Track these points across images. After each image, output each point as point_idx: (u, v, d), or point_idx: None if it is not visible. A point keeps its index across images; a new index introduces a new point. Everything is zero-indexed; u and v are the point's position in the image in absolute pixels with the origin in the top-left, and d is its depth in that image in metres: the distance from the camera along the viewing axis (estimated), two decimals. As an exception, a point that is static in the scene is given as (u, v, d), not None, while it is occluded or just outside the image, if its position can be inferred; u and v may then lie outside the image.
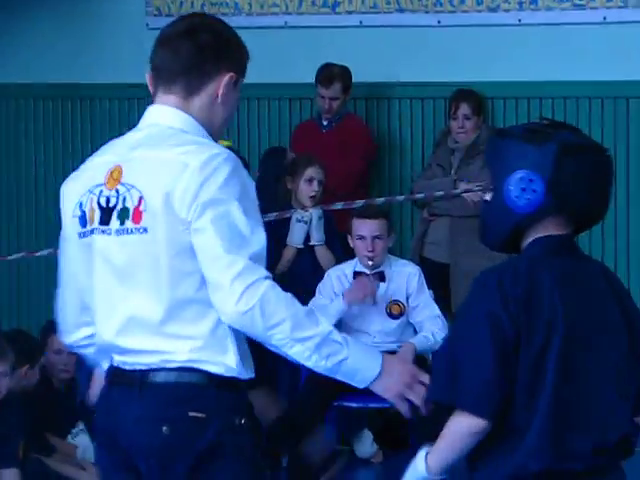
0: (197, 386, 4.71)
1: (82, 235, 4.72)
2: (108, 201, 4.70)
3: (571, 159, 4.69)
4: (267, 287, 4.48)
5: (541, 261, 4.76)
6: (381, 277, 10.35)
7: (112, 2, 13.86)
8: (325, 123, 11.87)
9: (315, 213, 11.25)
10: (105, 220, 4.67)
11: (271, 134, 12.74)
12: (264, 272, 4.56)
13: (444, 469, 4.56)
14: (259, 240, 4.58)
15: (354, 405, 10.23)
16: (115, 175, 4.69)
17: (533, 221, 4.65)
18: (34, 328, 11.13)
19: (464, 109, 11.68)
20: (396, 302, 10.40)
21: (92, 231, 4.69)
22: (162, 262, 4.63)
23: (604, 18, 11.70)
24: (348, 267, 10.40)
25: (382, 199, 11.42)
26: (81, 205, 4.73)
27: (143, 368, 4.68)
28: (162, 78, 4.73)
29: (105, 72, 13.50)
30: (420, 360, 9.91)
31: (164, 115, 4.78)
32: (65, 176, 5.44)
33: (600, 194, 4.76)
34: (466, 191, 11.25)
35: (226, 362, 4.71)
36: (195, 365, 4.66)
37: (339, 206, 10.96)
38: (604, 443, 4.56)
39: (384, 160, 12.26)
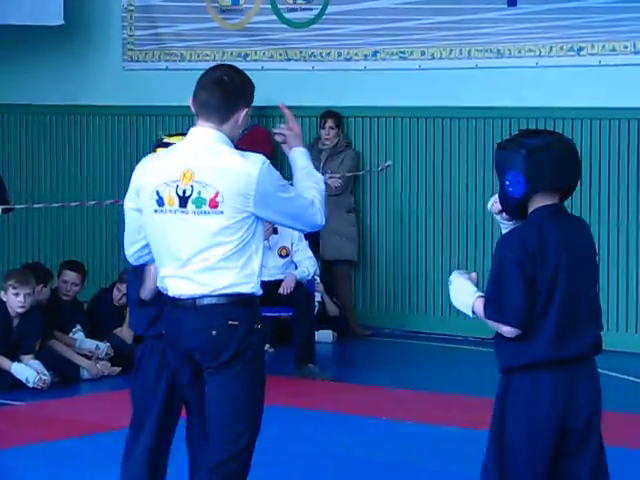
0: (231, 304, 5.64)
1: (157, 212, 5.67)
2: (184, 192, 5.60)
3: (536, 156, 5.36)
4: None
5: (543, 223, 5.42)
6: (275, 230, 11.48)
7: (101, 54, 14.55)
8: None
9: None
10: (183, 205, 5.61)
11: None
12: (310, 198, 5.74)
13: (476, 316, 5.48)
14: (296, 194, 5.72)
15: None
16: (188, 175, 5.59)
17: (526, 200, 5.41)
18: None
19: (329, 123, 13.20)
20: (284, 247, 11.82)
21: (171, 211, 5.64)
22: (226, 231, 5.60)
23: (476, 65, 12.83)
24: None
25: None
26: (158, 192, 5.64)
27: (196, 295, 5.66)
28: (202, 111, 5.67)
29: (94, 97, 14.61)
30: (298, 284, 11.55)
31: (208, 135, 5.66)
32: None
33: (566, 173, 5.48)
34: (330, 178, 12.51)
35: (249, 286, 5.67)
36: (229, 290, 5.63)
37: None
38: (583, 345, 5.37)
39: (282, 156, 13.42)
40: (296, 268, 11.79)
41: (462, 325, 12.46)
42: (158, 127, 14.39)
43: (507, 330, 5.23)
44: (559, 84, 12.44)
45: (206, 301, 5.58)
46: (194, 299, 5.59)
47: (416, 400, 10.34)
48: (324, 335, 12.54)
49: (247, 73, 12.86)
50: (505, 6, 12.57)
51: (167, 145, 6.23)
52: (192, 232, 5.55)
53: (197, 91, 5.64)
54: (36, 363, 10.70)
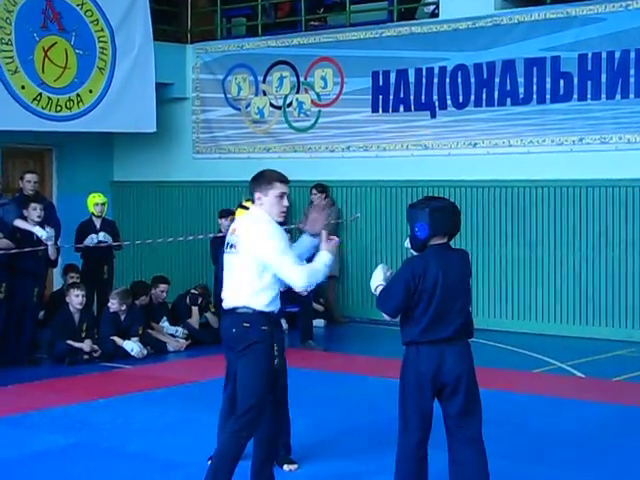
0: (246, 313, 5.40)
1: (224, 252, 5.57)
2: (230, 242, 5.54)
3: (436, 213, 5.28)
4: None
5: (431, 255, 5.29)
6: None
7: (179, 148, 14.71)
8: None
9: None
10: (229, 247, 5.53)
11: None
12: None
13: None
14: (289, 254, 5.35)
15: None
16: (233, 232, 5.55)
17: (427, 240, 5.29)
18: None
19: (316, 190, 12.97)
20: None
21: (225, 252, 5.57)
22: (242, 265, 5.43)
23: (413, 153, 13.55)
24: None
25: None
26: (228, 242, 5.54)
27: (231, 306, 5.49)
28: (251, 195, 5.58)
29: (175, 175, 14.69)
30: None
31: (252, 208, 5.63)
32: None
33: (452, 224, 5.37)
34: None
35: (260, 304, 5.39)
36: (246, 304, 5.40)
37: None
38: (448, 331, 5.23)
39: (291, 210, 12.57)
40: None
41: None
42: (213, 195, 14.45)
43: (385, 316, 5.37)
44: (460, 166, 12.48)
45: (231, 310, 5.48)
46: (227, 309, 5.52)
47: (378, 363, 10.13)
48: (318, 322, 12.44)
49: (267, 161, 12.76)
50: (429, 117, 12.70)
51: (245, 207, 6.39)
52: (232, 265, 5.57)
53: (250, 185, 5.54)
54: (138, 342, 10.63)
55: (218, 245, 12.12)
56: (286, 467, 6.41)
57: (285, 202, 5.51)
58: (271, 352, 5.40)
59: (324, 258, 5.49)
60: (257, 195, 5.49)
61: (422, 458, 5.26)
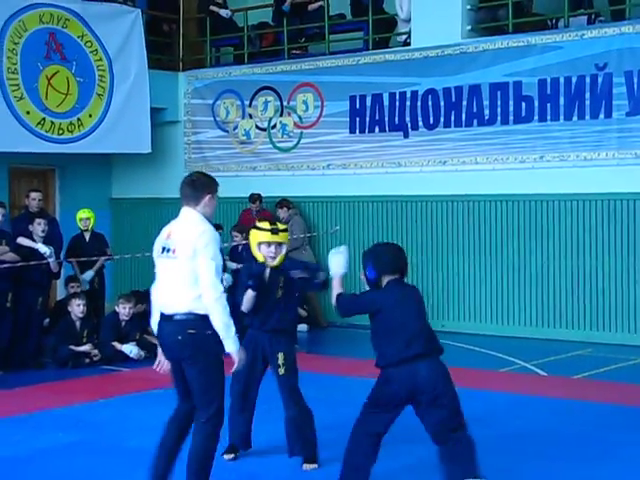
0: (191, 320, 5.08)
1: (158, 257, 5.29)
2: (165, 246, 5.25)
3: (379, 257, 5.31)
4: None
5: (388, 289, 5.29)
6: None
7: (171, 168, 14.41)
8: (254, 212, 13.01)
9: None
10: (163, 252, 5.25)
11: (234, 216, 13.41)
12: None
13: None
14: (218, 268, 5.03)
15: None
16: (167, 236, 5.27)
17: (378, 280, 5.28)
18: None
19: (282, 205, 13.00)
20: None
21: (158, 256, 5.29)
22: (182, 270, 5.13)
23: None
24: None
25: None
26: (162, 247, 5.24)
27: (170, 313, 5.14)
28: (184, 199, 5.30)
29: (167, 193, 13.46)
30: None
31: (188, 212, 5.29)
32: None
33: (395, 263, 5.33)
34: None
35: (203, 308, 5.08)
36: (190, 310, 5.09)
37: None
38: (418, 345, 5.16)
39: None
40: None
41: (365, 316, 12.63)
42: None
43: (340, 312, 5.37)
44: (431, 182, 12.50)
45: (176, 317, 5.14)
46: (169, 315, 5.18)
47: (356, 364, 9.94)
48: (302, 327, 12.39)
49: (254, 179, 13.25)
50: (402, 137, 12.71)
51: (259, 229, 6.13)
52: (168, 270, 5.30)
53: (181, 187, 5.32)
54: (135, 346, 10.52)
55: None
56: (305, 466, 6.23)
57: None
58: (219, 355, 5.13)
59: (231, 343, 5.11)
60: (208, 196, 5.25)
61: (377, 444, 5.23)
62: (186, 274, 5.08)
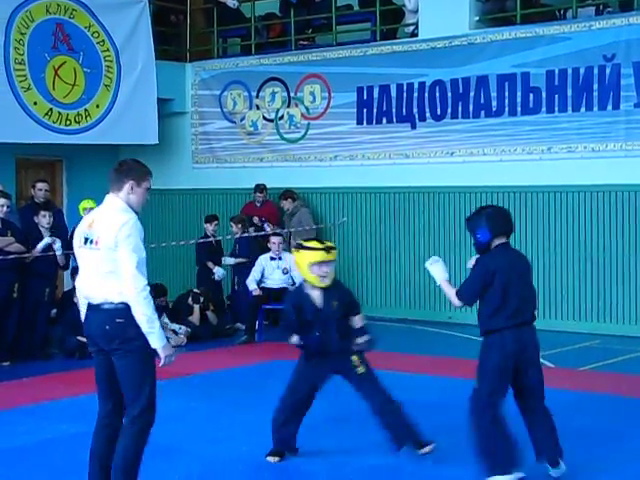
0: (120, 309, 4.86)
1: (80, 247, 5.04)
2: (87, 236, 5.00)
3: (492, 218, 5.51)
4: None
5: (500, 252, 5.50)
6: (280, 258, 11.46)
7: (180, 159, 14.61)
8: (258, 204, 13.25)
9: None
10: (86, 242, 4.99)
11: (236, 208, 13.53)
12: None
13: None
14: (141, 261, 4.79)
15: (269, 307, 11.39)
16: (90, 225, 5.01)
17: (490, 242, 5.50)
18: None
19: (286, 196, 13.00)
20: (285, 267, 11.44)
21: (80, 247, 5.05)
22: (106, 261, 4.91)
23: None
24: (267, 255, 11.47)
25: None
26: (85, 237, 4.99)
27: (98, 302, 4.95)
28: (109, 184, 5.06)
29: (176, 184, 14.42)
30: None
31: (110, 200, 5.06)
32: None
33: (507, 225, 5.57)
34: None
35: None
36: (119, 300, 4.87)
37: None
38: (528, 314, 5.52)
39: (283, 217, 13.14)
40: (292, 280, 11.32)
41: (388, 310, 12.72)
42: (211, 201, 14.43)
43: (466, 301, 5.54)
44: (438, 173, 12.50)
45: (104, 306, 4.94)
46: (97, 304, 4.97)
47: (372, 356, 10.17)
48: None
49: (261, 170, 13.38)
50: (409, 129, 12.76)
51: (310, 248, 5.94)
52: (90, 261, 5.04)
53: (109, 174, 5.08)
54: None
55: (203, 251, 12.26)
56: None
57: (148, 197, 5.10)
58: (150, 347, 4.88)
59: (156, 338, 4.86)
60: (130, 184, 4.98)
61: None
62: (110, 265, 4.88)
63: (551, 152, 11.75)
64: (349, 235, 13.37)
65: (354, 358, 6.10)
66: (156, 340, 4.89)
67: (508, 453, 5.39)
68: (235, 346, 11.14)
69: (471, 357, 9.04)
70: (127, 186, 5.00)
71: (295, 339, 6.11)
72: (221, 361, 10.17)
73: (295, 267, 6.31)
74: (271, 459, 6.15)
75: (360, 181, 13.26)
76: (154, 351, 4.92)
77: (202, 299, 11.74)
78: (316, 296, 6.10)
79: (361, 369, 6.10)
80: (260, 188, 13.37)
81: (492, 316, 5.44)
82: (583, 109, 11.54)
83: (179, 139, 14.87)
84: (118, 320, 4.85)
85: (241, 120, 14.32)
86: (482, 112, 12.23)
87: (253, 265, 11.73)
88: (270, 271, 11.61)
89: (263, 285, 11.60)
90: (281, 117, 13.97)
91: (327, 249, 6.07)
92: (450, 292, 5.60)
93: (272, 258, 11.56)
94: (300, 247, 6.13)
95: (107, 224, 4.93)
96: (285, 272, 11.58)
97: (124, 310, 4.85)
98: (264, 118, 14.16)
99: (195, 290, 11.92)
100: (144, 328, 4.81)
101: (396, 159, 12.95)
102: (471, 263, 5.59)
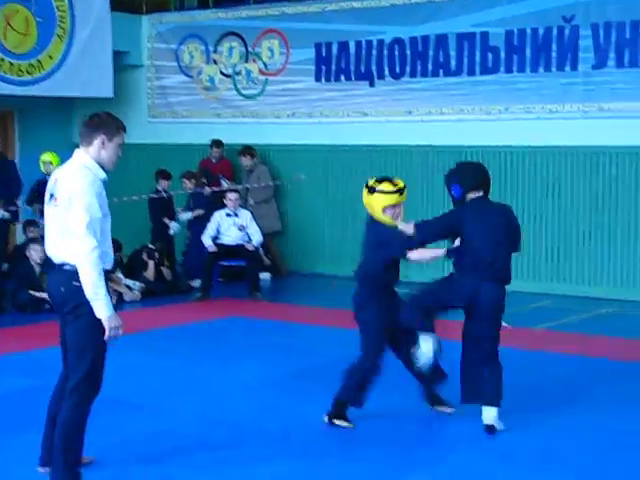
0: (75, 271, 4.65)
1: (47, 204, 4.87)
2: (51, 192, 4.83)
3: (463, 173, 5.75)
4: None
5: (472, 204, 5.67)
6: (236, 214, 11.42)
7: (135, 113, 14.30)
8: (214, 160, 13.21)
9: None
10: (51, 199, 4.82)
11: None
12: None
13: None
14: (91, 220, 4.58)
15: (224, 263, 11.59)
16: (55, 180, 4.83)
17: (464, 196, 5.71)
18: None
19: (246, 153, 12.90)
20: (241, 225, 11.43)
21: (47, 204, 4.87)
22: (65, 218, 4.71)
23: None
24: (223, 211, 11.41)
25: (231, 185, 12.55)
26: (50, 193, 4.82)
27: (59, 262, 4.78)
28: (79, 138, 4.87)
29: (132, 138, 15.01)
30: (252, 246, 11.24)
31: (77, 155, 4.84)
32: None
33: (480, 180, 5.76)
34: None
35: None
36: (75, 261, 4.68)
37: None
38: (487, 272, 5.67)
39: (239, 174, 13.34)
40: (248, 237, 11.39)
41: (345, 267, 12.59)
42: (167, 156, 14.16)
43: (419, 238, 5.72)
44: (396, 132, 12.43)
45: (63, 267, 4.76)
46: (58, 264, 4.80)
47: (315, 312, 10.15)
48: (264, 275, 12.34)
49: (218, 126, 13.31)
50: (368, 86, 12.67)
51: (384, 192, 5.92)
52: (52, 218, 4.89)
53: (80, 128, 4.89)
54: None
55: (157, 206, 12.20)
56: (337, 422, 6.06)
57: (120, 153, 4.84)
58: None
59: (101, 307, 4.63)
60: (101, 139, 4.73)
61: None
62: (67, 223, 4.70)
63: (508, 112, 11.73)
64: (305, 192, 13.30)
65: None
66: (101, 309, 4.66)
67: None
68: (190, 302, 11.14)
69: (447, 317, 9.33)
70: (98, 141, 4.77)
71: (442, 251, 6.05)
72: (176, 317, 10.17)
73: (368, 208, 6.23)
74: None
75: (318, 139, 13.16)
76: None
77: (157, 255, 11.70)
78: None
79: None
80: (217, 144, 13.30)
81: (456, 264, 5.62)
82: (541, 69, 11.50)
83: (135, 93, 14.68)
84: (74, 283, 4.65)
85: (198, 75, 14.17)
86: (441, 71, 12.17)
87: (208, 219, 11.67)
88: (226, 227, 11.57)
89: (219, 241, 11.56)
90: (239, 72, 13.84)
91: (400, 191, 6.09)
92: (406, 228, 5.73)
93: (228, 214, 11.51)
94: (373, 190, 6.07)
95: (66, 181, 4.73)
96: (241, 229, 11.54)
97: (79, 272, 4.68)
98: (221, 73, 14.00)
99: (150, 246, 11.86)
100: (88, 294, 4.59)
101: (354, 117, 12.87)
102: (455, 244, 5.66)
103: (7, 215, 10.42)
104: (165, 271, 11.85)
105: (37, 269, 10.43)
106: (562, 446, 5.62)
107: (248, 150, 13.09)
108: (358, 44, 12.73)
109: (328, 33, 12.93)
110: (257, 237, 11.59)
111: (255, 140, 13.37)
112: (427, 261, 6.12)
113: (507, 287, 5.75)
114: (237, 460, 5.36)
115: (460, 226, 5.60)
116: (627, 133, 10.99)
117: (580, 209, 11.45)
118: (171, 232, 12.32)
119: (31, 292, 10.25)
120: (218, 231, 11.52)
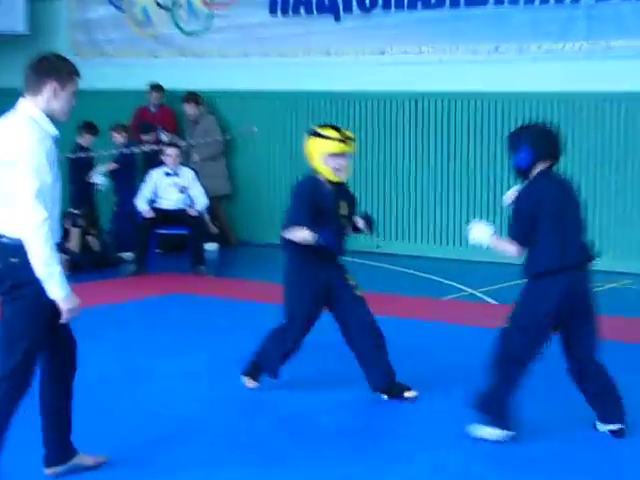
0: (17, 246, 4.59)
1: None
2: None
3: (537, 138, 5.50)
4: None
5: (543, 176, 5.48)
6: (176, 173, 11.34)
7: (53, 49, 14.02)
8: (153, 109, 13.35)
9: None
10: None
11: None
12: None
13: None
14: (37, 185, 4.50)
15: (162, 232, 11.39)
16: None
17: (532, 167, 5.50)
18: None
19: (190, 101, 12.94)
20: (182, 186, 11.32)
21: None
22: (5, 183, 4.63)
23: None
24: (160, 170, 11.38)
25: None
26: None
27: None
28: (24, 86, 4.73)
29: None
30: (193, 211, 11.22)
31: (22, 105, 4.73)
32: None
33: (554, 149, 5.56)
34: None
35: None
36: (14, 234, 4.60)
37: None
38: (582, 254, 5.60)
39: (186, 132, 13.36)
40: (191, 200, 11.36)
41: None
42: (92, 102, 13.56)
43: (518, 249, 5.51)
44: (366, 75, 12.37)
45: (2, 239, 4.71)
46: None
47: (268, 288, 9.55)
48: (210, 246, 12.29)
49: (155, 69, 13.24)
50: (332, 21, 12.59)
51: (325, 137, 6.06)
52: None
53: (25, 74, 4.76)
54: None
55: (78, 165, 12.15)
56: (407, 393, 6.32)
57: (74, 102, 4.79)
58: (44, 299, 4.66)
59: (55, 286, 4.65)
60: (52, 86, 4.66)
61: None
62: (7, 187, 4.62)
63: (499, 52, 11.68)
64: (257, 147, 13.29)
65: (349, 277, 6.31)
66: (56, 288, 4.68)
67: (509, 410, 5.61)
68: (122, 277, 11.14)
69: (405, 293, 9.51)
70: (48, 88, 4.69)
71: (307, 234, 6.13)
72: (106, 295, 10.15)
73: (308, 158, 6.39)
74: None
75: (274, 83, 13.09)
76: (50, 302, 4.67)
77: (82, 222, 11.61)
78: (327, 191, 6.29)
79: (359, 291, 6.27)
80: (156, 88, 13.28)
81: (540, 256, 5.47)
82: (537, 2, 11.47)
83: (53, 28, 14.56)
84: (12, 260, 4.63)
85: (130, 7, 14.13)
86: (419, 3, 12.09)
87: (134, 177, 11.67)
88: (164, 189, 11.47)
89: (156, 206, 11.47)
90: (179, 4, 13.78)
91: (345, 139, 6.19)
92: (505, 243, 5.57)
93: (167, 174, 11.44)
94: (314, 134, 6.21)
95: (8, 137, 4.64)
96: (182, 191, 11.50)
97: (21, 248, 4.60)
98: (158, 5, 13.93)
99: (73, 211, 11.69)
100: (39, 273, 4.58)
101: (316, 57, 12.79)
102: (509, 197, 5.61)
103: None
104: (92, 241, 11.75)
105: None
106: None
107: (192, 97, 13.08)
108: (320, -30, 12.78)
109: (285, -43, 12.98)
110: (201, 200, 11.54)
111: (200, 85, 13.28)
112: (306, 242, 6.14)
113: (497, 258, 5.80)
114: (192, 461, 5.42)
115: (538, 209, 5.46)
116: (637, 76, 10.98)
117: (582, 160, 11.37)
118: (99, 186, 12.21)
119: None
120: (155, 193, 11.46)
